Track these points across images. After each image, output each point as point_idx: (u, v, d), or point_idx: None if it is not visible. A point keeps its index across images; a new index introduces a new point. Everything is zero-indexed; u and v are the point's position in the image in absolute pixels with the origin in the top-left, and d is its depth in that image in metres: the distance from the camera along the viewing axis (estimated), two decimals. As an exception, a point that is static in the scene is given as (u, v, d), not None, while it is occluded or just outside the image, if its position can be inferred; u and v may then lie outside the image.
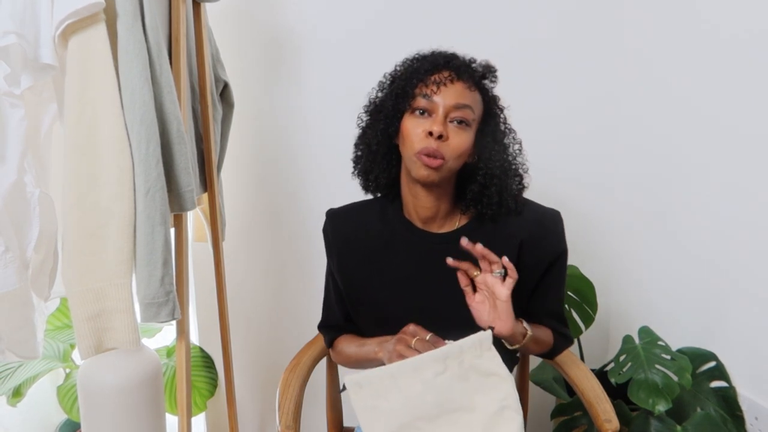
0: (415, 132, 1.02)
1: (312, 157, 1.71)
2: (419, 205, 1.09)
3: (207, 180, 1.40)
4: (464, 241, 0.99)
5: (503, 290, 0.98)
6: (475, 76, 1.04)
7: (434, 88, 1.01)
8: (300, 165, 1.71)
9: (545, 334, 1.15)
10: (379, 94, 1.11)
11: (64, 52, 1.03)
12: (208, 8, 1.38)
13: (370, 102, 1.13)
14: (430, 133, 1.00)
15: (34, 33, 1.01)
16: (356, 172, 1.15)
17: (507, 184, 1.07)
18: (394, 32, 1.63)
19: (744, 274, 1.39)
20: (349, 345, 1.19)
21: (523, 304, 1.13)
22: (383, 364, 1.02)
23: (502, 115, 1.09)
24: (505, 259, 0.98)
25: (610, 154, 1.76)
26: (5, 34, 0.97)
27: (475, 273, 1.00)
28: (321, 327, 1.26)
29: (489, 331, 0.95)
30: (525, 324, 1.06)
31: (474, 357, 0.94)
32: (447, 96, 1.01)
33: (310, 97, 1.67)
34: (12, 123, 1.05)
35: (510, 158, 1.08)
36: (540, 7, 1.66)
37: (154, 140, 1.06)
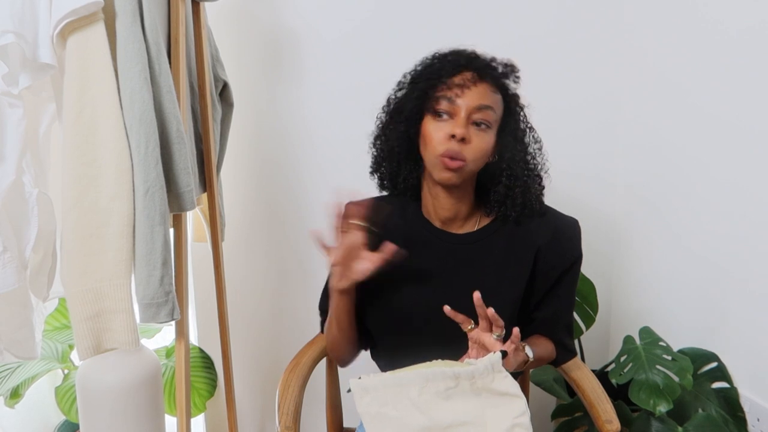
0: (436, 135, 1.01)
1: (312, 157, 1.70)
2: (439, 205, 1.09)
3: (206, 180, 1.39)
4: (477, 297, 0.96)
5: (495, 345, 0.96)
6: (497, 76, 1.04)
7: (457, 91, 1.00)
8: (300, 165, 1.71)
9: (547, 351, 1.13)
10: (398, 95, 1.10)
11: (63, 51, 1.03)
12: (207, 8, 1.38)
13: (389, 102, 1.11)
14: (453, 136, 0.99)
15: (33, 32, 1.00)
16: (376, 172, 1.14)
17: (530, 184, 1.07)
18: (395, 31, 1.63)
19: (746, 274, 1.38)
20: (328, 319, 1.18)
21: (531, 311, 1.12)
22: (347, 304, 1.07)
23: (522, 113, 1.08)
24: (515, 330, 0.95)
25: (611, 153, 1.76)
26: (3, 33, 0.97)
27: (470, 326, 0.99)
28: (320, 308, 1.25)
29: (499, 354, 0.94)
30: (527, 350, 1.04)
31: (486, 380, 0.94)
32: (469, 98, 1.00)
33: (310, 97, 1.67)
34: (10, 123, 1.05)
35: (530, 158, 1.08)
36: (539, 3, 1.66)
37: (153, 140, 1.06)
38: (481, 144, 1.01)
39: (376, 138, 1.13)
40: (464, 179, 1.03)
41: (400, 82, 1.11)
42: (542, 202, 1.10)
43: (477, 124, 1.01)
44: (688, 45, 1.50)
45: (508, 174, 1.05)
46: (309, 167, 1.71)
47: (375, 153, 1.14)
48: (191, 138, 1.29)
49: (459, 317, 0.98)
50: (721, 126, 1.42)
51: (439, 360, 1.00)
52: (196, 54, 1.32)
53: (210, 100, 1.36)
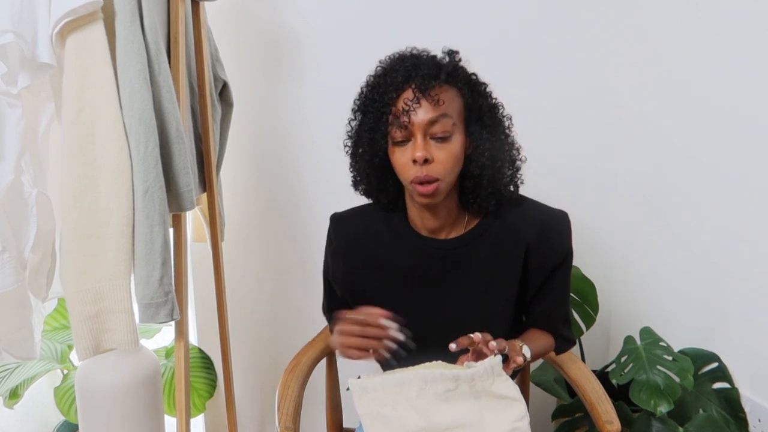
0: (401, 162, 1.00)
1: (312, 157, 1.70)
2: (425, 218, 1.08)
3: (206, 180, 1.39)
4: (454, 347, 0.92)
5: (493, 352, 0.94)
6: (441, 77, 0.99)
7: (404, 117, 0.97)
8: (300, 164, 1.71)
9: (545, 344, 1.13)
10: (354, 124, 1.08)
11: (62, 51, 1.03)
12: (207, 7, 1.38)
13: (351, 128, 1.09)
14: (415, 161, 0.98)
15: (32, 32, 1.00)
16: (356, 187, 1.13)
17: (500, 169, 1.03)
18: (395, 31, 1.62)
19: (747, 275, 1.38)
20: None
21: (527, 305, 1.12)
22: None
23: (486, 91, 1.05)
24: (519, 360, 0.94)
25: (611, 153, 1.76)
26: (2, 33, 0.97)
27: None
28: (324, 312, 1.25)
29: (499, 357, 0.93)
30: (524, 349, 1.03)
31: (486, 384, 0.93)
32: (419, 116, 0.97)
33: (310, 97, 1.67)
34: (9, 122, 1.05)
35: (503, 137, 1.04)
36: (540, 3, 1.65)
37: (153, 140, 1.06)
38: (446, 156, 0.98)
39: (351, 164, 1.11)
40: (445, 194, 1.02)
41: (353, 110, 1.08)
42: (517, 186, 1.08)
43: (437, 138, 0.98)
44: (690, 45, 1.50)
45: (475, 164, 1.02)
46: (309, 167, 1.71)
47: (353, 175, 1.12)
48: (191, 138, 1.28)
49: (464, 342, 0.93)
50: (721, 126, 1.41)
51: (439, 361, 1.00)
52: (195, 54, 1.32)
53: (210, 100, 1.36)
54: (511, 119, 1.07)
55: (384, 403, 0.94)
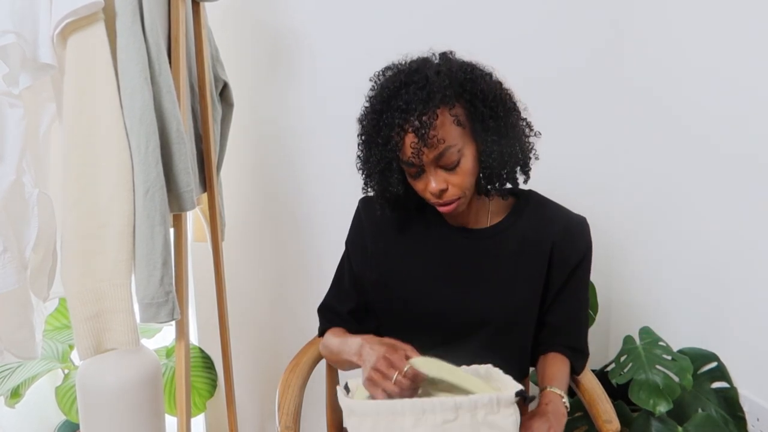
0: (420, 188, 1.03)
1: (312, 157, 1.70)
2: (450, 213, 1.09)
3: (206, 180, 1.40)
4: None
5: None
6: (434, 104, 0.96)
7: (413, 159, 0.98)
8: (300, 165, 1.71)
9: (567, 374, 1.13)
10: (365, 155, 1.07)
11: (63, 51, 1.03)
12: (207, 8, 1.38)
13: (361, 153, 1.08)
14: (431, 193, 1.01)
15: (33, 32, 1.00)
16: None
17: (504, 152, 1.01)
18: (396, 30, 1.63)
19: (746, 274, 1.38)
20: (333, 337, 1.16)
21: (545, 313, 1.13)
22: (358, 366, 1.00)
23: (486, 88, 1.00)
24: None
25: (611, 152, 1.76)
26: (4, 33, 0.97)
27: None
28: (320, 309, 1.24)
29: (511, 393, 0.91)
30: (564, 398, 1.04)
31: (488, 413, 0.91)
32: (425, 155, 0.97)
33: (310, 97, 1.67)
34: (11, 123, 1.05)
35: (502, 123, 1.01)
36: (539, 2, 1.66)
37: (154, 140, 1.06)
38: (460, 178, 1.00)
39: (368, 186, 1.11)
40: (469, 198, 1.04)
41: (359, 144, 1.08)
42: (528, 165, 1.06)
43: (449, 167, 0.99)
44: (690, 44, 1.50)
45: (486, 156, 1.01)
46: (309, 167, 1.71)
47: (368, 190, 1.12)
48: (191, 138, 1.29)
49: None
50: (720, 125, 1.42)
51: (465, 366, 0.99)
52: (196, 54, 1.32)
53: (210, 100, 1.37)
54: (516, 104, 1.05)
55: (373, 428, 0.91)
